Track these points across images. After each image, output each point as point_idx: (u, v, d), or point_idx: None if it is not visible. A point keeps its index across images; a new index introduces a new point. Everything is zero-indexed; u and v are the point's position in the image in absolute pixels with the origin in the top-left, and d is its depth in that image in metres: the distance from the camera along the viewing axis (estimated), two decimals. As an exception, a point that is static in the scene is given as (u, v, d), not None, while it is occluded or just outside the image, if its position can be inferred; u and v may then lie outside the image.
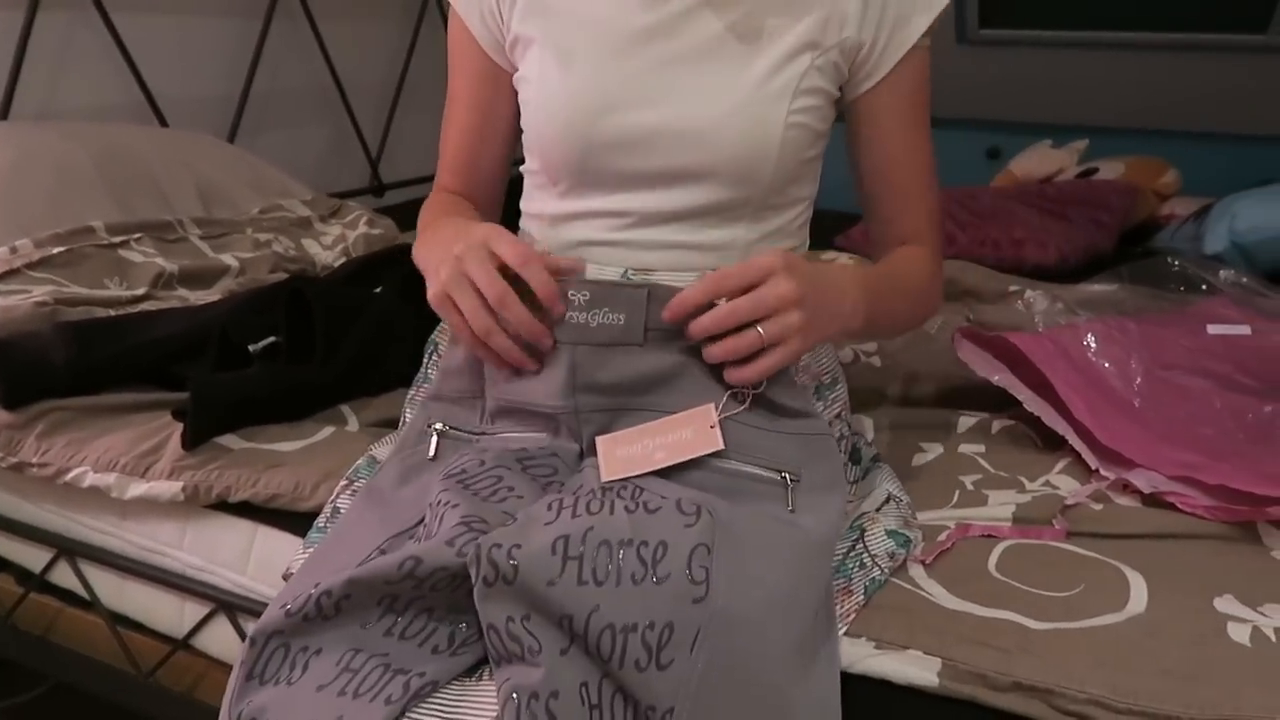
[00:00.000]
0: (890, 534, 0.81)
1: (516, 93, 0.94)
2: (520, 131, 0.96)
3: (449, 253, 0.76)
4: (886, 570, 0.79)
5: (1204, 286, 1.25)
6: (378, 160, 2.44)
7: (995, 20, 2.74)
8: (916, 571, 0.83)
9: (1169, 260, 1.34)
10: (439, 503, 0.72)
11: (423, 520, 0.74)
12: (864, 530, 0.82)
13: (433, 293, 0.78)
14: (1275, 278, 1.75)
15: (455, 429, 0.85)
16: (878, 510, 0.85)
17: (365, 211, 1.79)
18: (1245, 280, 1.23)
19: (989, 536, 0.88)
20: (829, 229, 2.17)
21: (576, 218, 0.90)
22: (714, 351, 0.76)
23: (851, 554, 0.79)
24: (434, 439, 0.84)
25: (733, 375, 0.76)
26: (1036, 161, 2.34)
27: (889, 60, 0.87)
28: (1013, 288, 1.65)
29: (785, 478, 0.77)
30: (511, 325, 0.76)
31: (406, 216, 2.14)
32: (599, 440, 0.77)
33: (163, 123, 1.86)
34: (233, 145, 1.92)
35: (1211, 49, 2.57)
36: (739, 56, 0.85)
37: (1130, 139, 2.75)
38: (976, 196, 2.12)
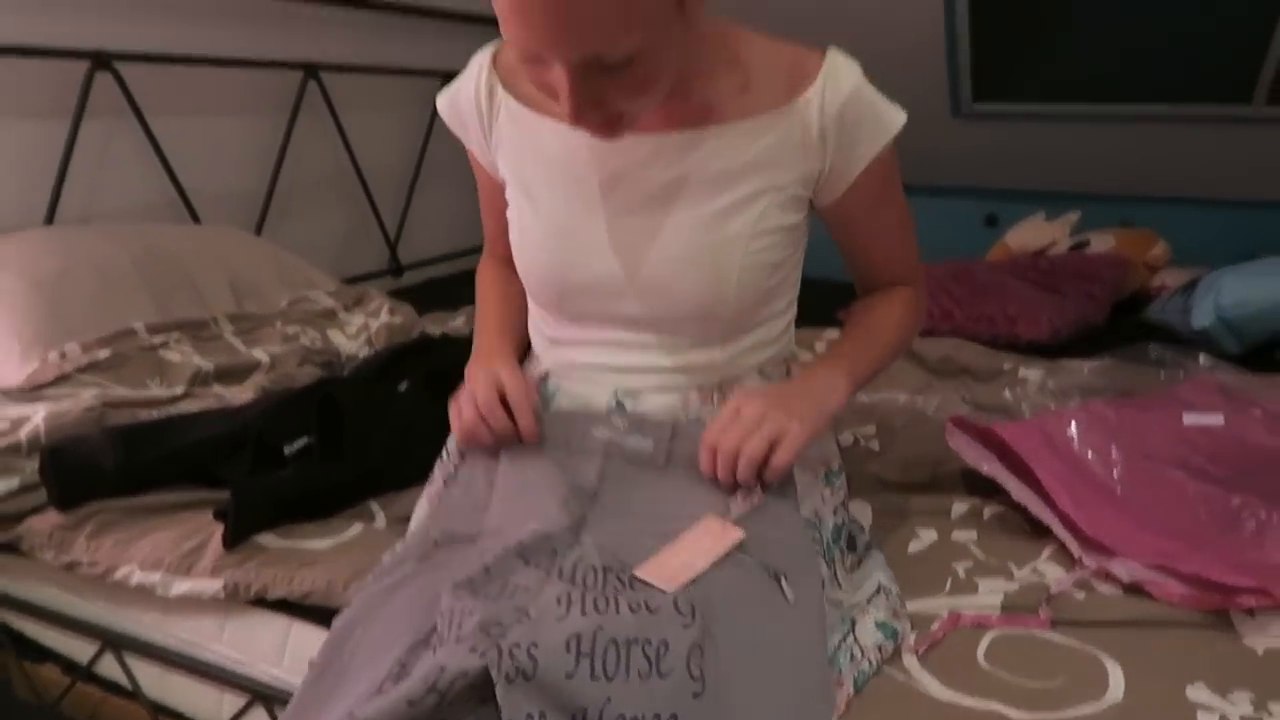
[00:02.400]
0: (879, 625, 0.88)
1: None
2: None
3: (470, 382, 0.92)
4: (876, 662, 0.85)
5: (1182, 374, 1.32)
6: (396, 242, 2.54)
7: (988, 94, 2.84)
8: (909, 661, 0.88)
9: (1149, 349, 1.41)
10: (454, 610, 0.77)
11: (434, 628, 0.79)
12: (854, 622, 0.88)
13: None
14: (1261, 351, 1.82)
15: (453, 532, 0.91)
16: (868, 601, 0.91)
17: (386, 300, 1.88)
18: (1220, 370, 1.30)
19: (979, 626, 0.94)
20: (830, 302, 2.24)
21: (567, 344, 0.99)
22: (742, 473, 0.87)
23: (843, 646, 0.85)
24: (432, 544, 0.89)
25: (754, 479, 0.88)
26: (1030, 234, 2.42)
27: (847, 180, 0.93)
28: (1006, 365, 1.72)
29: (779, 577, 0.83)
30: (495, 428, 0.93)
31: (425, 296, 2.25)
32: (641, 573, 0.83)
33: (195, 218, 1.97)
34: (261, 239, 2.02)
35: (1198, 120, 2.67)
36: (693, 204, 0.91)
37: (1121, 205, 2.84)
38: (972, 271, 2.20)
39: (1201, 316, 1.85)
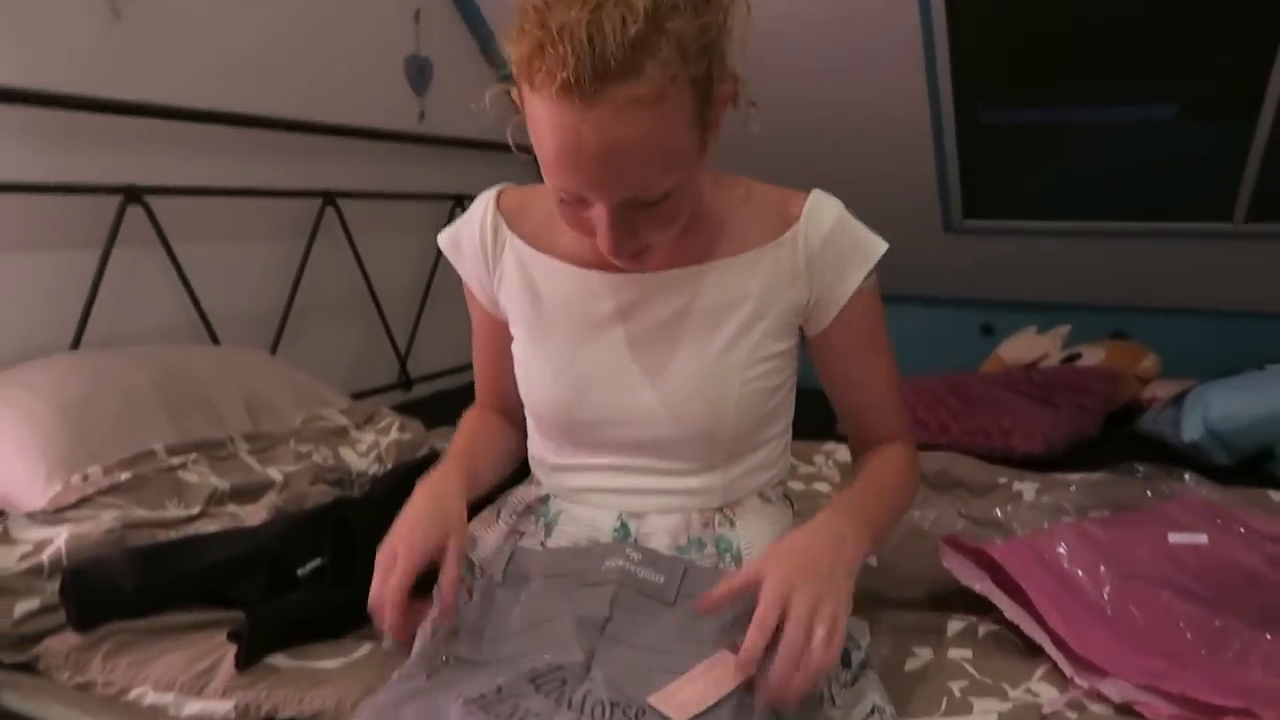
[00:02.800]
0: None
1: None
2: None
3: (403, 519, 0.94)
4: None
5: (1167, 491, 1.36)
6: (406, 357, 2.62)
7: (977, 212, 2.96)
8: (907, 783, 0.90)
9: (1136, 470, 1.45)
10: None
11: None
12: (846, 750, 0.90)
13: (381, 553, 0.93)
14: (1250, 462, 1.87)
15: (461, 658, 0.94)
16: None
17: (396, 417, 1.93)
18: (1204, 487, 1.34)
19: (973, 748, 0.96)
20: (830, 413, 2.30)
21: (571, 470, 1.04)
22: (795, 684, 0.81)
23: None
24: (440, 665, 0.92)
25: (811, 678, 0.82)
26: (1023, 347, 2.50)
27: (833, 310, 1.00)
28: (1001, 479, 1.76)
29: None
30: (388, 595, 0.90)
31: (433, 410, 2.31)
32: (654, 701, 0.85)
33: (215, 338, 2.05)
34: (276, 358, 2.10)
35: (1183, 235, 2.77)
36: (694, 336, 0.98)
37: (1113, 315, 2.93)
38: (967, 384, 2.26)
39: (1191, 430, 1.90)
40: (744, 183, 1.03)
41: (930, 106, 2.63)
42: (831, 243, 0.98)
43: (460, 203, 2.76)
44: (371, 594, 0.91)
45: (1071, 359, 2.40)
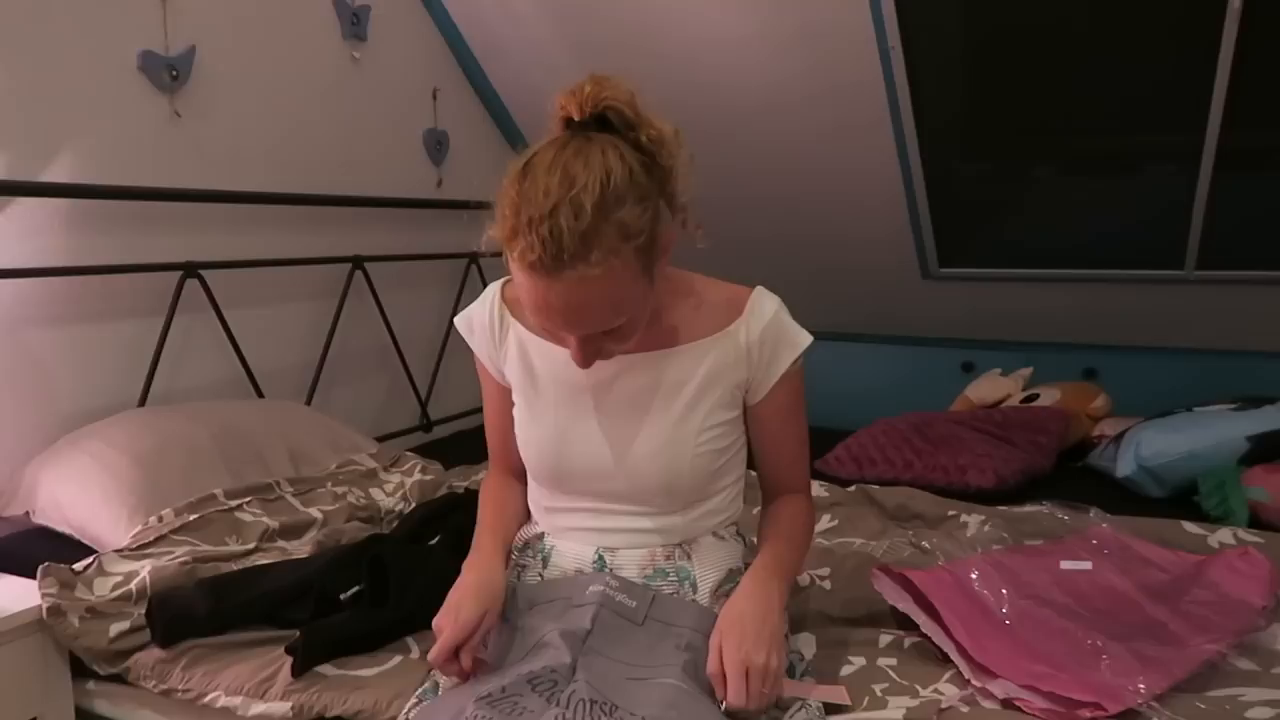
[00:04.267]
0: (798, 737, 1.14)
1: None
2: None
3: (451, 603, 1.19)
4: (796, 760, 1.11)
5: (1075, 526, 1.60)
6: (427, 401, 2.88)
7: (952, 260, 3.19)
8: (826, 762, 1.14)
9: (1050, 512, 1.68)
10: (478, 716, 1.04)
11: None
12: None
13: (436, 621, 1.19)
14: (1176, 496, 2.09)
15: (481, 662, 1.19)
16: (791, 714, 1.17)
17: (419, 459, 2.19)
18: (1107, 522, 1.57)
19: (883, 734, 1.19)
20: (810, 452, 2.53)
21: (559, 511, 1.29)
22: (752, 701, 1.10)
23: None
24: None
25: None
26: (988, 388, 2.72)
27: (765, 387, 1.24)
28: (951, 512, 1.99)
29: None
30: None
31: (452, 450, 2.56)
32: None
33: (259, 392, 2.31)
34: (313, 409, 2.36)
35: (1140, 281, 2.98)
36: (656, 407, 1.22)
37: (1083, 353, 3.15)
38: (932, 423, 2.49)
39: (1125, 466, 2.13)
40: (699, 281, 1.27)
41: (900, 167, 2.87)
42: (768, 333, 1.22)
43: (474, 260, 3.03)
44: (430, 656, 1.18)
45: (1030, 399, 2.62)
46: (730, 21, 2.61)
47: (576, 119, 1.09)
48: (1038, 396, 2.62)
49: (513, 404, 1.33)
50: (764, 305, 1.23)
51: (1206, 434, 2.06)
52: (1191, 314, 2.96)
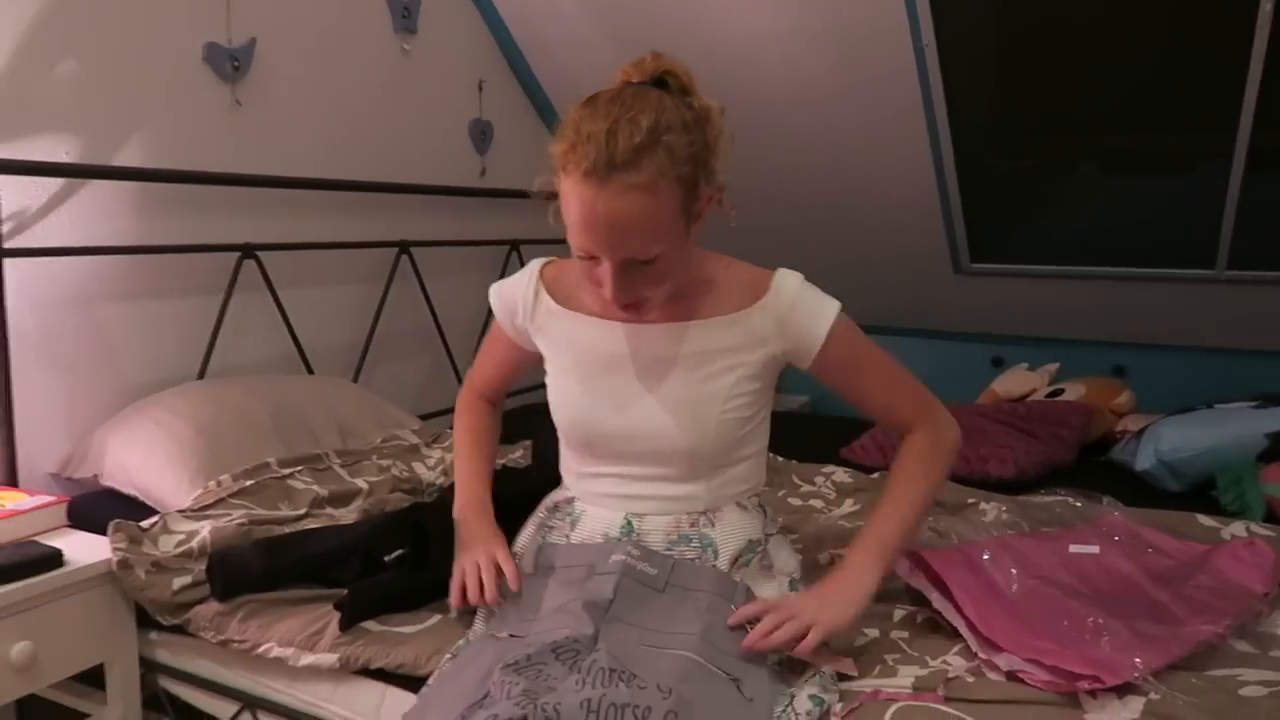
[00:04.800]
0: (811, 697, 1.20)
1: (524, 356, 1.48)
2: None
3: (470, 557, 1.37)
4: (804, 720, 1.19)
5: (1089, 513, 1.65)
6: (466, 383, 2.98)
7: (983, 256, 3.23)
8: (836, 724, 1.22)
9: (1065, 500, 1.74)
10: (504, 683, 1.10)
11: (487, 694, 1.13)
12: (793, 695, 1.21)
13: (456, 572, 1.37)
14: (1194, 491, 2.12)
15: (509, 632, 1.27)
16: (806, 680, 1.25)
17: (459, 437, 2.29)
18: (1119, 511, 1.63)
19: (890, 700, 1.27)
20: (837, 439, 2.60)
21: (590, 477, 1.37)
22: (773, 640, 1.20)
23: (784, 712, 1.18)
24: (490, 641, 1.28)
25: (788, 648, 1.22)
26: (1014, 382, 2.77)
27: (809, 353, 1.31)
28: (970, 500, 2.05)
29: (737, 681, 1.16)
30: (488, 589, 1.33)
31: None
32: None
33: (309, 369, 2.43)
34: (359, 386, 2.47)
35: (1171, 280, 3.01)
36: (683, 375, 1.30)
37: (1113, 350, 3.18)
38: (957, 415, 2.53)
39: (1144, 460, 2.17)
40: (726, 261, 1.36)
41: (933, 161, 2.92)
42: (797, 304, 1.30)
43: (515, 247, 3.13)
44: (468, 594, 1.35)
45: (1055, 394, 2.66)
46: (765, 17, 2.68)
47: (635, 81, 1.20)
48: (1063, 391, 2.66)
49: (511, 354, 1.49)
50: (788, 279, 1.32)
51: (1226, 430, 2.10)
52: (1222, 313, 2.97)
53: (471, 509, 1.46)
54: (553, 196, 1.22)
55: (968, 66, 2.76)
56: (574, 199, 1.15)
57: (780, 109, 2.92)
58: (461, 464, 1.54)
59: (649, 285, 1.21)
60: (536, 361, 1.47)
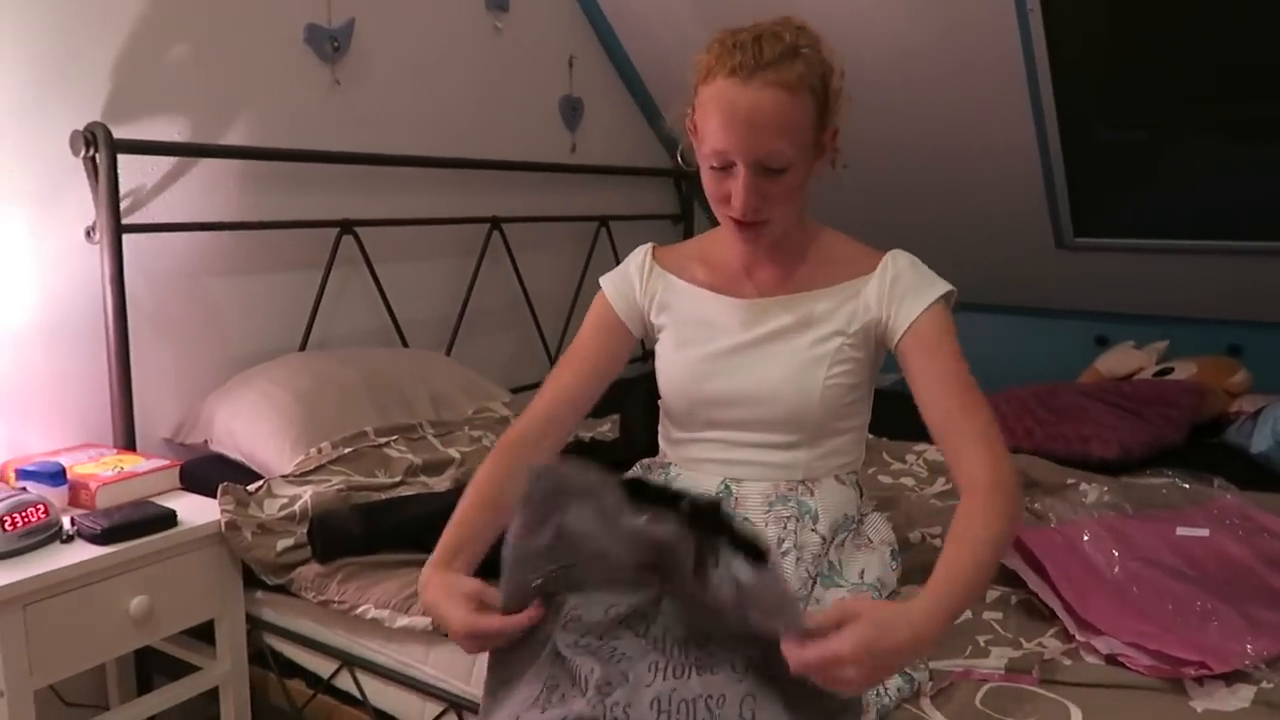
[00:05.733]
0: (901, 674, 1.19)
1: (628, 342, 1.41)
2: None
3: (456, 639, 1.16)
4: (894, 697, 1.16)
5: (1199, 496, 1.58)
6: (555, 357, 3.02)
7: (1088, 230, 3.11)
8: (925, 703, 1.19)
9: (1173, 481, 1.66)
10: (581, 667, 1.03)
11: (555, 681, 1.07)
12: (885, 671, 1.19)
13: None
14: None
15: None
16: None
17: (548, 410, 2.32)
18: (1231, 494, 1.56)
19: (983, 680, 1.24)
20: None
21: (688, 443, 1.37)
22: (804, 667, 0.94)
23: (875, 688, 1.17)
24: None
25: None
26: (1119, 361, 2.66)
27: (901, 326, 1.26)
28: (1070, 480, 1.98)
29: None
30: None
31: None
32: None
33: (403, 341, 2.49)
34: (452, 359, 2.52)
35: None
36: (792, 342, 1.30)
37: (1226, 329, 3.02)
38: (1057, 394, 2.46)
39: (1261, 442, 2.06)
40: (838, 237, 1.37)
41: (1036, 132, 2.81)
42: (900, 280, 1.29)
43: (605, 223, 3.14)
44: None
45: (1164, 373, 2.55)
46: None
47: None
48: (1172, 370, 2.54)
49: (604, 360, 1.41)
50: (900, 258, 1.32)
51: (1350, 412, 1.98)
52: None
53: (429, 589, 1.23)
54: (680, 135, 1.29)
55: (1075, 32, 2.64)
56: (716, 101, 1.19)
57: (878, 83, 2.84)
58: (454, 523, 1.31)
59: (774, 201, 1.22)
60: (632, 348, 1.45)
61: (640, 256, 1.44)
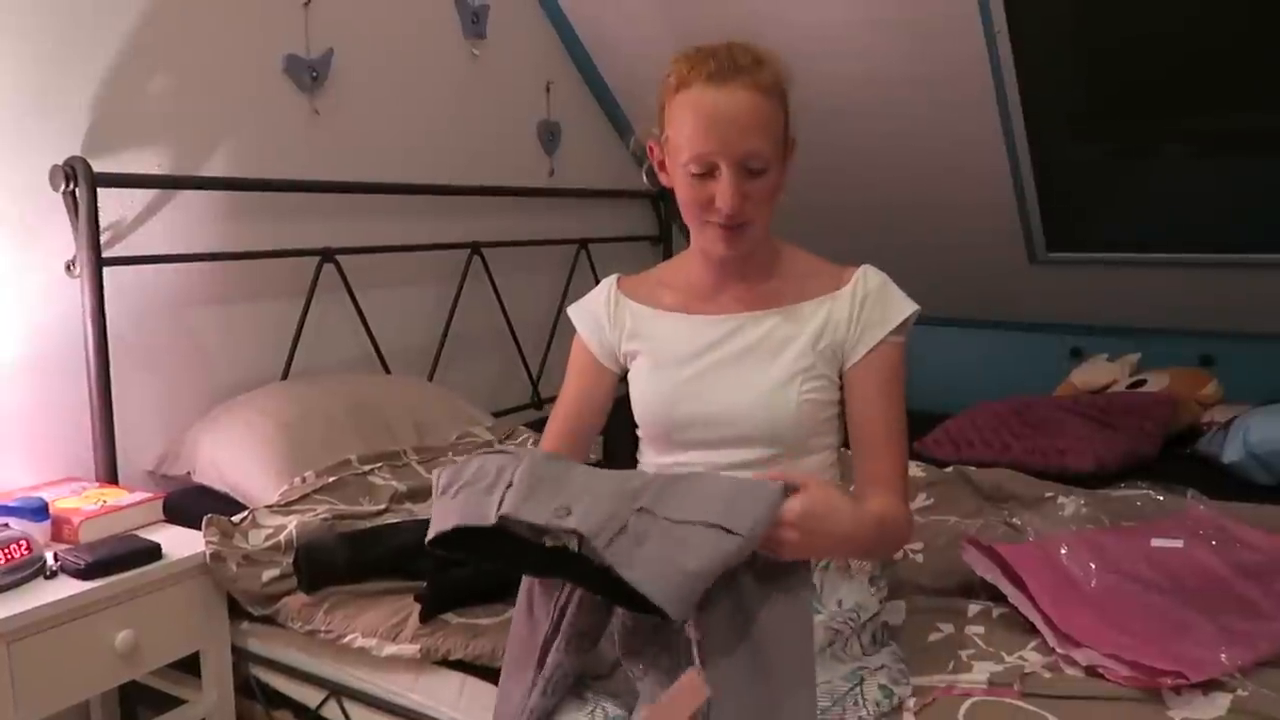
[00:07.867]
0: (880, 688, 1.20)
1: (609, 383, 1.43)
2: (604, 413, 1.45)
3: None
4: (872, 712, 1.18)
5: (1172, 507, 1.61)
6: (538, 380, 3.03)
7: (1060, 245, 3.16)
8: (907, 718, 1.21)
9: (1147, 494, 1.70)
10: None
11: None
12: (863, 679, 1.21)
13: None
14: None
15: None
16: (875, 670, 1.24)
17: (532, 434, 2.33)
18: (1204, 505, 1.59)
19: (965, 695, 1.26)
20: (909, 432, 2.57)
21: (669, 467, 1.38)
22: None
23: (850, 694, 1.18)
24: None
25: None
26: (1094, 373, 2.70)
27: (862, 350, 1.29)
28: (1048, 494, 2.01)
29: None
30: None
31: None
32: None
33: (385, 368, 2.50)
34: (435, 384, 2.53)
35: (1257, 266, 2.89)
36: (763, 359, 1.31)
37: (1198, 340, 3.07)
38: (1034, 407, 2.49)
39: (1232, 452, 2.10)
40: (806, 255, 1.39)
41: (1006, 149, 2.86)
42: (871, 297, 1.31)
43: (584, 246, 3.17)
44: None
45: (1137, 384, 2.59)
46: (837, 8, 2.66)
47: None
48: (1145, 382, 2.59)
49: (597, 388, 1.44)
50: (871, 275, 1.33)
51: (1319, 421, 2.02)
52: (1316, 300, 2.85)
53: None
54: (644, 153, 1.31)
55: (1042, 49, 2.69)
56: (695, 107, 1.22)
57: (847, 101, 2.89)
58: None
59: (756, 203, 1.25)
60: (615, 386, 1.46)
61: (605, 292, 1.45)
